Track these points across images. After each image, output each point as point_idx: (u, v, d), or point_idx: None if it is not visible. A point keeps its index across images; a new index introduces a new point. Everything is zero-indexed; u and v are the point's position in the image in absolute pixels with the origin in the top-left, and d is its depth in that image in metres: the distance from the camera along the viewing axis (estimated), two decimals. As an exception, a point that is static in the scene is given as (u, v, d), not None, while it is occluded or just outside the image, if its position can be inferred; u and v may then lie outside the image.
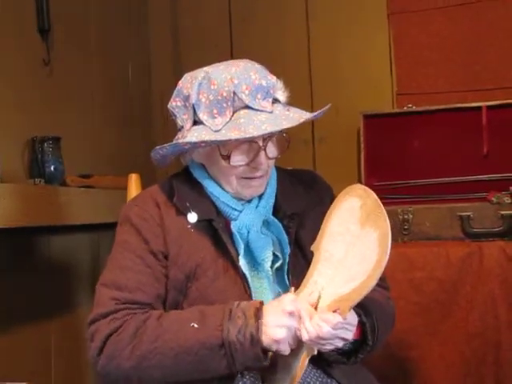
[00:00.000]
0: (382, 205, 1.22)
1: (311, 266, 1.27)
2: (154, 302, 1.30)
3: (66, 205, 2.06)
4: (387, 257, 1.15)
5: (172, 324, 1.23)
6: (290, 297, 1.22)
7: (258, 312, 1.19)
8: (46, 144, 2.13)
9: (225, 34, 3.03)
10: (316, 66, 2.91)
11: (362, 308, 1.27)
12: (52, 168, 2.13)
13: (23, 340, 2.06)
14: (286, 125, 1.26)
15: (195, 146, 1.31)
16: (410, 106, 2.62)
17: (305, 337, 1.17)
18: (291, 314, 1.19)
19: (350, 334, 1.22)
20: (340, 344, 1.22)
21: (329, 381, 1.32)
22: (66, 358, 2.26)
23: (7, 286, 2.01)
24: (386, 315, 1.38)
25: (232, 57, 2.95)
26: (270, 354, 1.21)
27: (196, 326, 1.20)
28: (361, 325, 1.28)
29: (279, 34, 2.95)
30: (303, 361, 1.22)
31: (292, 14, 2.93)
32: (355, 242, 1.23)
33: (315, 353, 1.22)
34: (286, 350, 1.20)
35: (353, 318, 1.23)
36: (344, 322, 1.18)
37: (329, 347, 1.21)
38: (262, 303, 1.22)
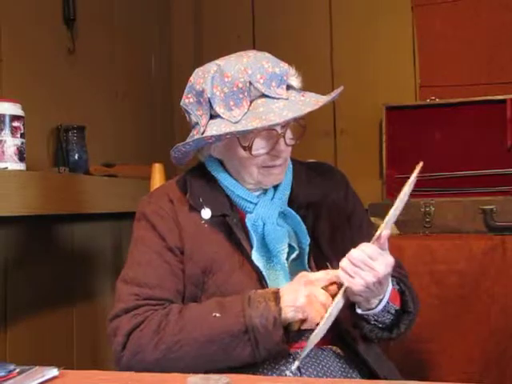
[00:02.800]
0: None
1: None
2: (174, 298, 1.31)
3: (89, 193, 2.08)
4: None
5: (193, 316, 1.24)
6: (302, 273, 1.25)
7: (277, 295, 1.21)
8: (70, 133, 2.15)
9: (247, 25, 3.03)
10: (338, 57, 2.90)
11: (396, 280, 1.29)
12: (76, 157, 2.15)
13: (46, 327, 2.09)
14: (306, 109, 1.25)
15: (219, 138, 1.30)
16: (433, 98, 2.60)
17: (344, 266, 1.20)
18: (307, 282, 1.21)
19: (383, 269, 1.19)
20: (372, 278, 1.19)
21: (350, 371, 1.33)
22: (88, 345, 2.29)
23: (31, 274, 2.03)
24: (414, 293, 1.39)
25: (255, 48, 2.95)
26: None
27: (218, 315, 1.22)
28: (400, 293, 1.30)
29: (302, 25, 2.94)
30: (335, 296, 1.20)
31: (315, 5, 2.93)
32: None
33: (347, 284, 1.20)
34: (314, 317, 1.19)
35: (388, 255, 1.21)
36: (379, 252, 1.18)
37: (359, 282, 1.19)
38: (278, 289, 1.24)
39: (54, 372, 1.03)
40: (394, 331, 1.33)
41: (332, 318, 1.20)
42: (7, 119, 1.72)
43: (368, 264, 1.18)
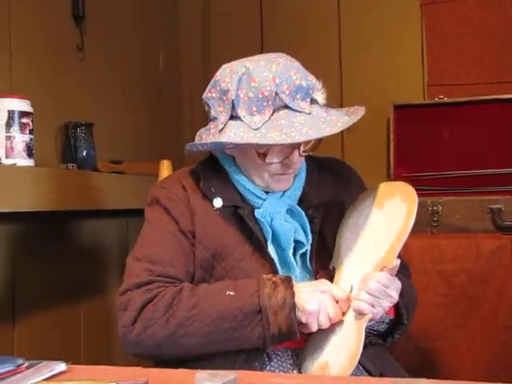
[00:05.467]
0: (392, 182, 1.33)
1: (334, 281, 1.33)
2: (184, 278, 1.32)
3: (97, 190, 2.08)
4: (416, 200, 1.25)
5: (207, 293, 1.26)
6: (323, 280, 1.29)
7: (290, 282, 1.24)
8: (78, 129, 2.16)
9: (255, 23, 3.02)
10: (346, 55, 2.89)
11: None
12: (84, 153, 2.16)
13: (53, 322, 2.10)
14: (326, 129, 1.25)
15: (238, 146, 1.30)
16: (441, 97, 2.60)
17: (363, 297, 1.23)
18: (324, 292, 1.24)
19: (396, 294, 1.25)
20: (388, 304, 1.25)
21: (355, 368, 1.32)
22: (95, 341, 2.30)
23: (38, 269, 2.04)
24: (412, 298, 1.42)
25: (262, 46, 2.96)
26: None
27: (232, 293, 1.23)
28: (395, 305, 1.31)
29: (309, 22, 2.94)
30: (360, 329, 1.24)
31: (323, 4, 2.92)
32: (375, 223, 1.31)
33: (370, 316, 1.24)
34: (313, 325, 1.24)
35: (396, 279, 1.27)
36: (391, 279, 1.24)
37: (379, 310, 1.24)
38: (291, 278, 1.27)
39: (62, 367, 1.04)
40: (387, 340, 1.37)
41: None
42: (16, 115, 1.72)
43: (384, 293, 1.24)
